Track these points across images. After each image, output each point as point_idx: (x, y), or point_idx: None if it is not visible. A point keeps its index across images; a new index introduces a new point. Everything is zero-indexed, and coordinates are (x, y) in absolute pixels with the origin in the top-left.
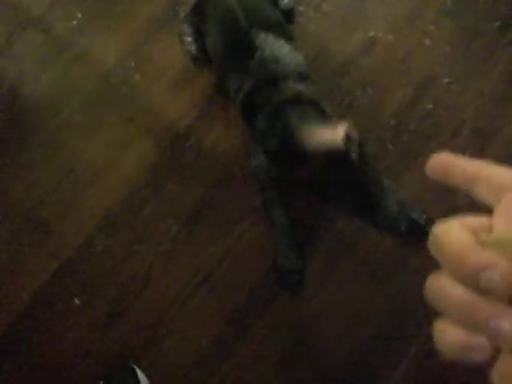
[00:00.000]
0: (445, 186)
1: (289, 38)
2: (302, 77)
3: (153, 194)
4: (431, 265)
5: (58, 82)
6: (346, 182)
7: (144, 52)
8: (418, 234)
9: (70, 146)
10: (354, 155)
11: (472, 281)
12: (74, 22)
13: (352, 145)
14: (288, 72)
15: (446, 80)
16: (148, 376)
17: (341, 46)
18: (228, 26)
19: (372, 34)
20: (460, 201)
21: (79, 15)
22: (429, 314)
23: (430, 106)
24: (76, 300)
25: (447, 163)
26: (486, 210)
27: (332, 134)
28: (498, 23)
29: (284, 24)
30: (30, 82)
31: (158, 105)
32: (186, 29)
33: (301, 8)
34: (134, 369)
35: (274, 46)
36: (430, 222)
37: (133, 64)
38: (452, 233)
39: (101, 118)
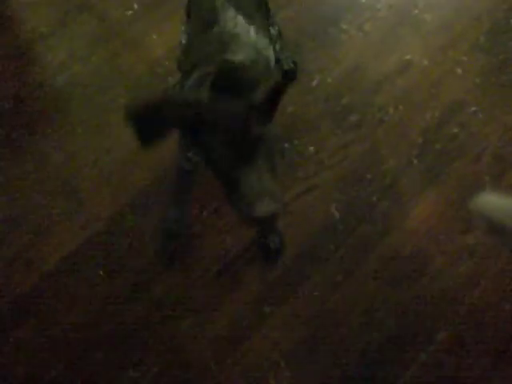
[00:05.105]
0: (463, 203)
1: (262, 29)
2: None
3: None
4: (448, 274)
5: (106, 65)
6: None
7: None
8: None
9: (112, 126)
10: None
11: None
12: (129, 12)
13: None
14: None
15: (473, 108)
16: None
17: (378, 64)
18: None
19: (408, 57)
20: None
21: (135, 6)
22: (440, 323)
23: (456, 130)
24: (101, 272)
25: None
26: None
27: None
28: None
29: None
30: (80, 61)
31: None
32: None
33: (344, 26)
34: None
35: (238, 26)
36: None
37: None
38: None
39: None
